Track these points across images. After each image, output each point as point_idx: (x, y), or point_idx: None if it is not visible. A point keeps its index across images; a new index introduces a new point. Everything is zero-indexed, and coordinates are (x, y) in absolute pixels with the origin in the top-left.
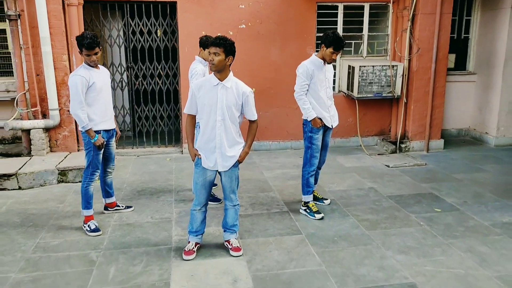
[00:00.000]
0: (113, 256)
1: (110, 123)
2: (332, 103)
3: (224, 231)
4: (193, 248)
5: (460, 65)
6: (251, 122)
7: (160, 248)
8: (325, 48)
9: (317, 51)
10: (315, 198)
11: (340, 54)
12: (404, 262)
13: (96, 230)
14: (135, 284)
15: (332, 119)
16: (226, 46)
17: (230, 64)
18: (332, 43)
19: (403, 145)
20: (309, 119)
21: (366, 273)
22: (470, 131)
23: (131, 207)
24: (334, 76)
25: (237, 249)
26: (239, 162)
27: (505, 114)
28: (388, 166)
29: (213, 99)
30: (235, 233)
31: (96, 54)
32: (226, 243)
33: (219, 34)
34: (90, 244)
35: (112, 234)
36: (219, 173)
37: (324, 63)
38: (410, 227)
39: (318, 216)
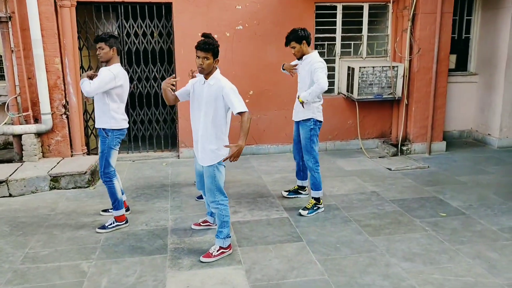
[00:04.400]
0: (106, 267)
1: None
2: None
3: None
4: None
5: (461, 65)
6: (240, 114)
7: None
8: (306, 44)
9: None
10: (295, 191)
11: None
12: (410, 270)
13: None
14: None
15: None
16: (215, 49)
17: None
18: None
19: (404, 148)
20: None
21: (371, 282)
22: (472, 133)
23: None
24: (334, 77)
25: (208, 255)
26: (231, 159)
27: (508, 115)
28: (390, 169)
29: (200, 95)
30: (218, 238)
31: (100, 48)
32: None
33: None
34: (81, 253)
35: (105, 243)
36: None
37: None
38: (415, 233)
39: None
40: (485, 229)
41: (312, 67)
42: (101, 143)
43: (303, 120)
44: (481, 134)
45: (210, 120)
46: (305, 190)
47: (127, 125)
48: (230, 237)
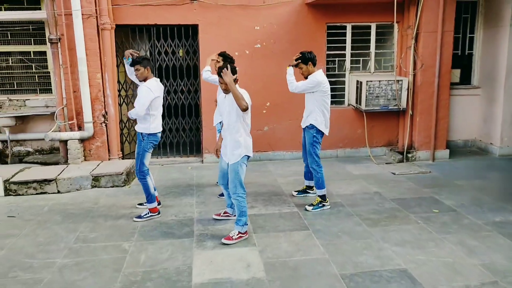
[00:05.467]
0: (143, 246)
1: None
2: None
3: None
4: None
5: (465, 79)
6: None
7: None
8: (312, 65)
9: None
10: (304, 191)
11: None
12: (399, 253)
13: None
14: (162, 267)
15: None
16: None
17: None
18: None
19: (409, 155)
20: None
21: (364, 261)
22: (476, 142)
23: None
24: (344, 90)
25: (229, 238)
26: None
27: (508, 125)
28: (394, 174)
29: (225, 107)
30: (237, 225)
31: (137, 70)
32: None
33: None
34: (122, 237)
35: (142, 229)
36: None
37: None
38: (408, 225)
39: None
40: (471, 223)
41: None
42: (137, 146)
43: (307, 126)
44: (484, 143)
45: (234, 121)
46: (313, 189)
47: (161, 129)
48: (247, 224)
